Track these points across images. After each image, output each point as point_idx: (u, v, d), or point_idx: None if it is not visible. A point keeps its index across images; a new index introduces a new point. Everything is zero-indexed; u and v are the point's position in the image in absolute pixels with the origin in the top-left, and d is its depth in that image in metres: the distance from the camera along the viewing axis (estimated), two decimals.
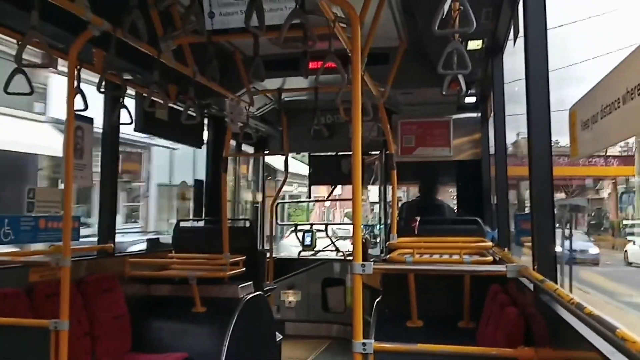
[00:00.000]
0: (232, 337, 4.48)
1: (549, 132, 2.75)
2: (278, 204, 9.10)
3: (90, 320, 4.12)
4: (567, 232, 15.60)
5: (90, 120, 4.47)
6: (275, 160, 9.53)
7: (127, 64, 4.15)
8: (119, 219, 12.09)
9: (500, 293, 3.56)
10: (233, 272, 4.87)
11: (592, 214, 33.99)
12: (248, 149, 7.98)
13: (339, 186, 9.23)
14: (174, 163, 16.63)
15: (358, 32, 2.84)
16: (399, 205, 6.68)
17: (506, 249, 4.55)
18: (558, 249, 15.90)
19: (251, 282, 5.19)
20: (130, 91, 4.64)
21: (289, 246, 12.74)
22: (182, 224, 5.95)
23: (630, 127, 1.81)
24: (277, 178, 12.31)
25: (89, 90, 3.79)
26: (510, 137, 5.01)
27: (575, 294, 1.84)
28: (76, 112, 3.63)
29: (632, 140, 28.26)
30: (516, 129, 4.98)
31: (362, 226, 3.06)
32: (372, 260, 6.47)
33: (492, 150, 5.61)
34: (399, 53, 5.05)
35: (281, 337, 5.95)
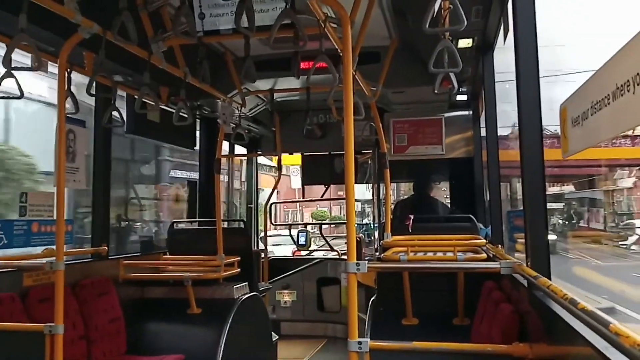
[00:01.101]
0: (228, 338, 4.48)
1: (540, 129, 2.76)
2: (272, 204, 9.10)
3: (86, 323, 4.11)
4: None
5: (82, 123, 4.46)
6: None
7: (118, 66, 4.14)
8: None
9: (495, 290, 3.58)
10: (228, 273, 4.87)
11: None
12: (241, 149, 7.98)
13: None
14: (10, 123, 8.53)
15: (349, 32, 2.84)
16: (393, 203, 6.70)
17: (499, 245, 4.57)
18: None
19: (246, 283, 5.19)
20: (121, 93, 4.63)
21: None
22: (176, 225, 5.94)
23: (620, 123, 1.82)
24: None
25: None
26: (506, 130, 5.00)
27: None
28: (67, 115, 3.62)
29: None
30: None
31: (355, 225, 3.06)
32: (366, 259, 6.48)
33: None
34: (390, 52, 5.06)
35: (277, 337, 5.95)
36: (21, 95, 3.40)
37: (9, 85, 3.25)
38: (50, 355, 3.10)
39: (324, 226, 11.45)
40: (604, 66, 1.91)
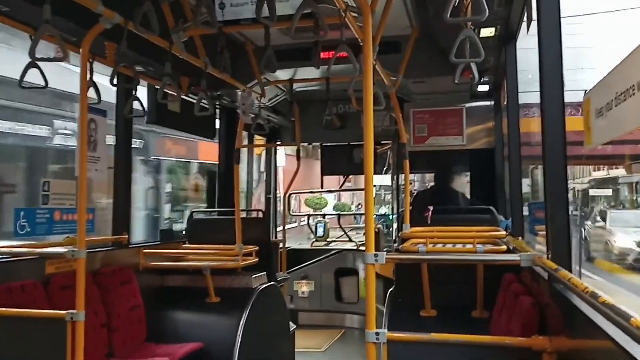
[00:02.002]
0: (246, 326, 4.51)
1: (562, 120, 2.72)
2: (291, 194, 9.12)
3: (107, 311, 4.17)
4: None
5: (103, 113, 4.50)
6: None
7: (139, 56, 4.17)
8: None
9: (514, 282, 3.55)
10: (246, 262, 4.90)
11: None
12: (260, 140, 7.99)
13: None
14: None
15: (369, 21, 2.82)
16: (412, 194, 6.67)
17: (520, 237, 4.53)
18: None
19: (264, 273, 5.22)
20: (142, 83, 4.66)
21: None
22: (195, 215, 5.98)
23: None
24: None
25: None
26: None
27: None
28: (89, 105, 3.66)
29: None
30: None
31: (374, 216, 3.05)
32: (385, 250, 6.47)
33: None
34: (410, 41, 5.02)
35: (295, 326, 5.98)
36: (46, 85, 3.43)
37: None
38: (72, 342, 3.14)
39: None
40: (628, 57, 1.88)
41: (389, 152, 7.71)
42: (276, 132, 7.87)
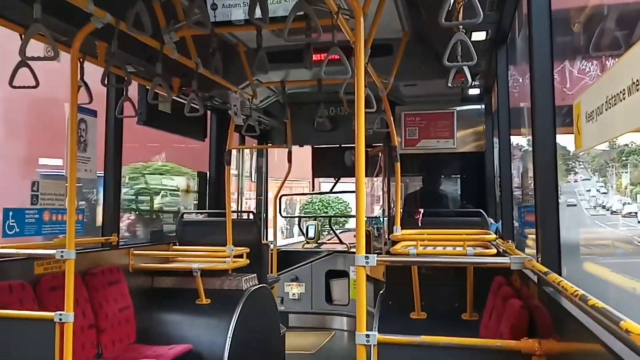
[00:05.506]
0: (236, 328, 4.50)
1: (553, 123, 2.73)
2: (282, 196, 9.10)
3: (95, 312, 4.14)
4: None
5: (94, 113, 4.47)
6: None
7: (130, 56, 4.15)
8: None
9: (504, 285, 3.56)
10: (236, 264, 4.89)
11: None
12: (251, 141, 7.98)
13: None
14: None
15: (361, 24, 2.83)
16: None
17: (510, 241, 4.55)
18: None
19: (255, 274, 5.21)
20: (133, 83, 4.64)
21: None
22: (185, 216, 5.96)
23: (636, 118, 1.80)
24: None
25: None
26: None
27: None
28: (80, 105, 3.64)
29: None
30: None
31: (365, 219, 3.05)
32: (375, 252, 6.47)
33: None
34: (402, 44, 5.03)
35: (285, 328, 5.97)
36: (36, 85, 3.41)
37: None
38: (60, 343, 3.12)
39: None
40: (620, 61, 1.89)
41: (380, 155, 7.71)
42: (267, 134, 7.86)
